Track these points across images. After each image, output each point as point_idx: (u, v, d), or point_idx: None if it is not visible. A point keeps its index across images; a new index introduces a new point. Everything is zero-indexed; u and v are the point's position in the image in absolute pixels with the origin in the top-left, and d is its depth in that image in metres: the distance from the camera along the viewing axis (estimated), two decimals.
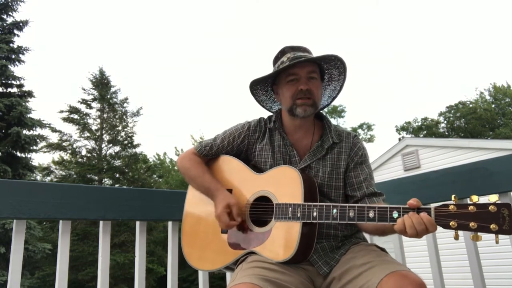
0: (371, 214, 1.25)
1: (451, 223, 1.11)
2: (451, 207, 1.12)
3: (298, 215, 1.36)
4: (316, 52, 1.59)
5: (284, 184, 1.45)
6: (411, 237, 1.17)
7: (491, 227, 1.06)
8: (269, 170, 1.53)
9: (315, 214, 1.34)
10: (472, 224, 1.08)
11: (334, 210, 1.31)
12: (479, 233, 1.09)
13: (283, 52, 1.59)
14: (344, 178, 1.55)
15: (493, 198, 1.09)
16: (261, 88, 1.69)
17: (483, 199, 1.13)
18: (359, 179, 1.53)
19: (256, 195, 1.51)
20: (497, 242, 1.07)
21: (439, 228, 1.17)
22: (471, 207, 1.10)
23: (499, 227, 1.05)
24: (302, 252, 1.36)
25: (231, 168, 1.63)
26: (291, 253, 1.33)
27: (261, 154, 1.60)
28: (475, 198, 1.12)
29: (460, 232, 1.15)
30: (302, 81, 1.51)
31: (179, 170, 1.70)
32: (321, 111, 1.69)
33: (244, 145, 1.63)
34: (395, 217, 1.21)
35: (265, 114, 1.75)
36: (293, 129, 1.59)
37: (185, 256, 1.60)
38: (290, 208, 1.38)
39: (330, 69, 1.61)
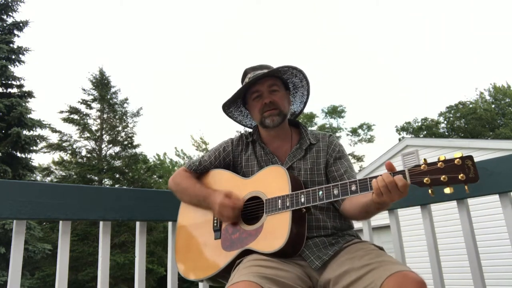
0: (353, 187, 1.32)
1: (425, 179, 1.22)
2: (422, 166, 1.24)
3: (287, 204, 1.42)
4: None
5: (271, 181, 1.51)
6: (387, 197, 1.23)
7: (459, 177, 1.18)
8: (256, 173, 1.60)
9: (303, 199, 1.40)
10: (443, 177, 1.20)
11: (320, 192, 1.38)
12: (450, 185, 1.20)
13: (245, 73, 1.73)
14: (325, 173, 1.63)
15: (458, 154, 1.22)
16: (234, 110, 1.82)
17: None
18: (340, 172, 1.61)
19: (247, 197, 1.55)
20: (467, 191, 1.18)
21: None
22: (439, 164, 1.22)
23: (466, 176, 1.18)
24: (294, 241, 1.38)
25: (221, 178, 1.70)
26: (283, 241, 1.36)
27: (247, 164, 1.69)
28: (442, 157, 1.23)
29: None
30: (264, 95, 1.63)
31: (171, 188, 1.77)
32: (296, 119, 1.81)
33: (230, 158, 1.73)
34: None
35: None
36: (271, 139, 1.70)
37: (180, 272, 1.64)
38: (279, 200, 1.44)
39: (290, 78, 1.71)
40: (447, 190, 1.21)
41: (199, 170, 1.75)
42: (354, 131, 30.80)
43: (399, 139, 12.79)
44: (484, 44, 47.62)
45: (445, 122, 30.71)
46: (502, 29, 46.37)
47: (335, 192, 1.35)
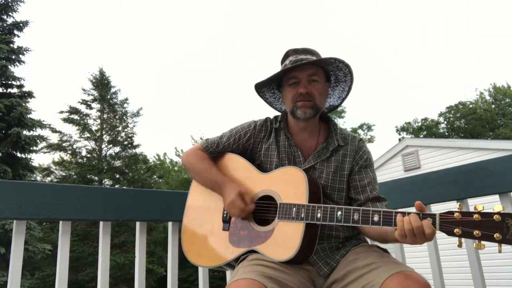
0: (375, 218, 1.24)
1: (456, 230, 1.12)
2: (456, 214, 1.13)
3: (302, 216, 1.36)
4: (324, 54, 1.59)
5: (289, 184, 1.45)
6: (410, 240, 1.16)
7: (495, 236, 1.07)
8: (274, 170, 1.53)
9: (319, 215, 1.33)
10: (476, 232, 1.09)
11: (339, 212, 1.30)
12: (482, 242, 1.10)
13: (287, 55, 1.60)
14: (347, 180, 1.55)
15: (498, 207, 1.10)
16: (267, 90, 1.71)
17: (487, 206, 1.12)
18: (363, 182, 1.53)
19: (260, 194, 1.51)
20: (500, 251, 1.08)
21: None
22: (476, 215, 1.10)
23: (503, 236, 1.06)
24: (304, 253, 1.36)
25: (236, 166, 1.63)
26: (292, 253, 1.32)
27: (267, 154, 1.60)
28: (480, 207, 1.12)
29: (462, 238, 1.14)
30: (302, 84, 1.51)
31: (184, 165, 1.70)
32: (328, 114, 1.69)
33: (249, 144, 1.64)
34: None
35: (270, 114, 1.74)
36: (298, 130, 1.60)
37: (184, 252, 1.61)
38: (294, 208, 1.38)
39: (334, 71, 1.60)
40: (476, 246, 1.10)
41: (215, 153, 1.67)
42: (354, 131, 30.79)
43: (399, 139, 12.79)
44: (484, 44, 47.63)
45: (445, 122, 30.69)
46: (502, 29, 46.38)
47: (355, 217, 1.27)
